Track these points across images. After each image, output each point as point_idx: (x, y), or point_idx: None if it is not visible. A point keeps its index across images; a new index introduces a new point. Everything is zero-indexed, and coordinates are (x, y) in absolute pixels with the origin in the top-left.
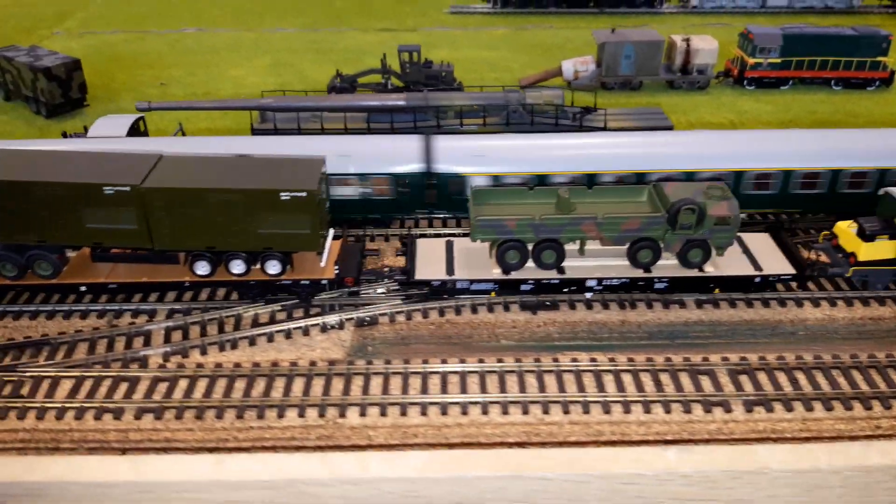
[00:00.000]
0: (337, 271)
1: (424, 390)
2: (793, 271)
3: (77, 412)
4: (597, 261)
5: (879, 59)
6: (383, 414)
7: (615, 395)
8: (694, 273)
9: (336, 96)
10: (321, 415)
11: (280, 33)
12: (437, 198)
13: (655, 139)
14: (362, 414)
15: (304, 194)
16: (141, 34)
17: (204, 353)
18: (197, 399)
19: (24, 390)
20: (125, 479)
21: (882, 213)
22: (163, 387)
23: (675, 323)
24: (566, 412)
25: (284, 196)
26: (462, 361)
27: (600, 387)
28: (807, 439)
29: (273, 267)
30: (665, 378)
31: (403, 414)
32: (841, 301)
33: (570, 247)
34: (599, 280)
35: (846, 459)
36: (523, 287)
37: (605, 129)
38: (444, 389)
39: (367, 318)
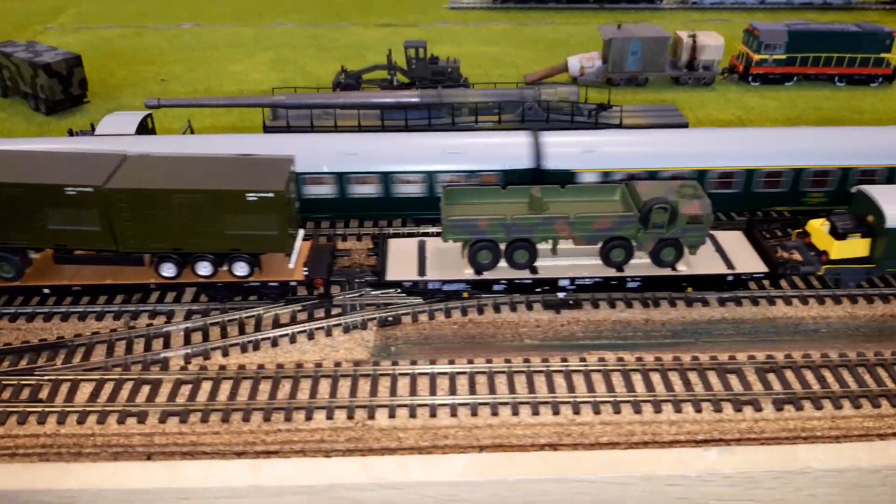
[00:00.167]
0: (306, 272)
1: (453, 391)
2: (765, 270)
3: (99, 416)
4: (569, 260)
5: (882, 55)
6: (413, 415)
7: (645, 395)
8: (667, 272)
9: (349, 93)
10: (350, 417)
11: (279, 29)
12: None
13: (745, 135)
14: (391, 415)
15: (271, 195)
16: (137, 29)
17: (226, 354)
18: (222, 401)
19: (43, 394)
20: (160, 486)
21: (855, 211)
22: (186, 389)
23: (698, 321)
24: (597, 412)
25: (251, 197)
26: (489, 361)
27: (629, 386)
28: (837, 438)
29: (241, 269)
30: (693, 377)
31: (433, 415)
32: (862, 298)
33: (544, 246)
34: (572, 279)
35: (886, 458)
36: (496, 287)
37: (620, 126)
38: (472, 390)
39: (390, 318)
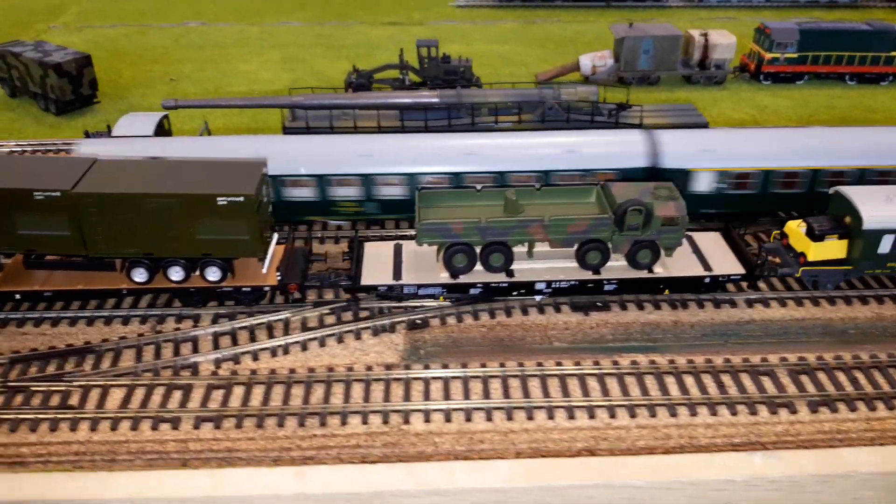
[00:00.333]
0: (279, 277)
1: (487, 395)
2: (742, 271)
3: (133, 422)
4: (545, 263)
5: (893, 54)
6: (448, 420)
7: (680, 398)
8: (643, 274)
9: (368, 94)
10: (385, 421)
11: (285, 27)
12: None
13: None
14: (427, 420)
15: (241, 199)
16: (141, 28)
17: (256, 358)
18: (255, 407)
19: (74, 400)
20: (205, 494)
21: (833, 213)
22: (218, 394)
23: (727, 322)
24: (633, 416)
25: (221, 201)
26: (520, 365)
27: (664, 389)
28: (872, 440)
29: (213, 274)
30: (727, 379)
31: (468, 419)
32: (889, 299)
33: (521, 249)
34: (548, 283)
35: None
36: (472, 291)
37: (641, 126)
38: (506, 394)
39: (419, 321)
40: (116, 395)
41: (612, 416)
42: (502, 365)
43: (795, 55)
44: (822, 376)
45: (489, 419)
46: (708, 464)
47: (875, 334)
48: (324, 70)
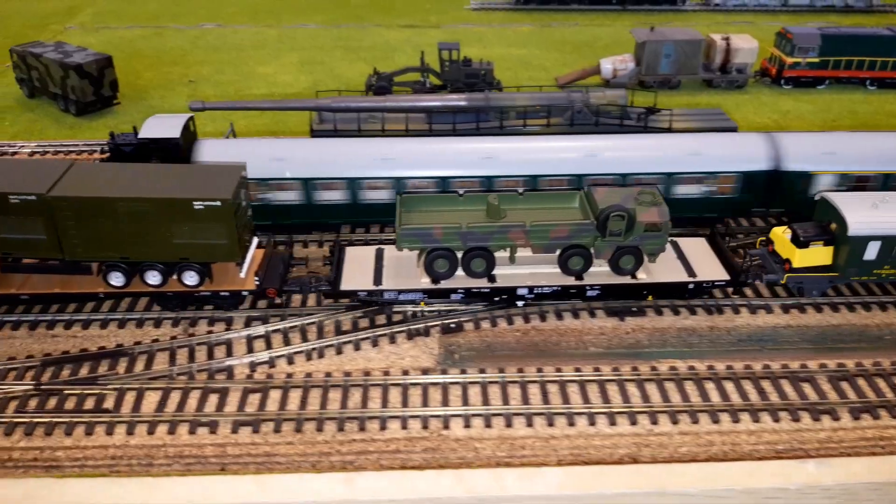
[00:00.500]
0: (258, 282)
1: (526, 400)
2: (727, 278)
3: (170, 426)
4: (528, 269)
5: None
6: (488, 425)
7: (722, 405)
8: (626, 280)
9: (397, 96)
10: (424, 426)
11: (302, 30)
12: (780, 196)
13: None
14: (467, 425)
15: (217, 203)
16: (158, 30)
17: (291, 362)
18: (293, 411)
19: (108, 404)
20: (254, 501)
21: (818, 219)
22: (254, 398)
23: (763, 328)
24: (675, 422)
25: (198, 205)
26: (558, 370)
27: (704, 395)
28: None
29: (190, 278)
30: (767, 385)
31: (509, 425)
32: None
33: (503, 254)
34: (531, 288)
35: None
36: (453, 296)
37: (670, 130)
38: (545, 399)
39: (453, 325)
40: (152, 399)
41: (654, 422)
42: (540, 370)
43: (817, 60)
44: (861, 382)
45: (530, 425)
46: (760, 471)
47: None
48: (343, 73)
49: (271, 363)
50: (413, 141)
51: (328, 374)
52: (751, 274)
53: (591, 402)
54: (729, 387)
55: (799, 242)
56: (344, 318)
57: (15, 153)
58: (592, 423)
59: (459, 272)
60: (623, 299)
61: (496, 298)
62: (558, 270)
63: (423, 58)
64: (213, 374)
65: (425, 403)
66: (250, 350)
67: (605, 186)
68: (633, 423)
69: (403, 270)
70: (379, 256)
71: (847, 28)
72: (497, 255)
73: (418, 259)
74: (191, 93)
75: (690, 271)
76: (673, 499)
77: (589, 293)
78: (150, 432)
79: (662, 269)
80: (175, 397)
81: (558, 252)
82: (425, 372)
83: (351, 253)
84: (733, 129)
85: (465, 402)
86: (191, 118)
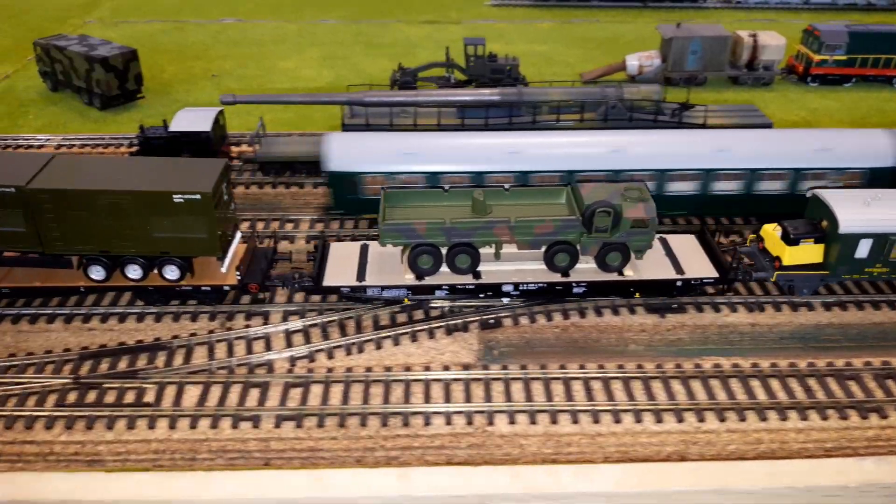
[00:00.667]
0: (239, 276)
1: (570, 397)
2: (715, 275)
3: (212, 420)
4: (513, 265)
5: None
6: (533, 422)
7: (769, 402)
8: (613, 277)
9: (428, 91)
10: (469, 422)
11: (323, 25)
12: None
13: None
14: (511, 422)
15: (197, 197)
16: (178, 24)
17: (331, 356)
18: (336, 405)
19: (148, 398)
20: (307, 496)
21: (810, 216)
22: (296, 393)
23: (805, 326)
24: (722, 420)
25: (177, 198)
26: (601, 367)
27: (750, 393)
28: None
29: (171, 272)
30: (813, 383)
31: (554, 422)
32: None
33: (489, 251)
34: (516, 285)
35: None
36: (438, 293)
37: (704, 126)
38: (589, 396)
39: (492, 320)
40: (192, 393)
41: (701, 419)
42: (582, 367)
43: (844, 57)
44: None
45: (575, 422)
46: (820, 470)
47: None
48: (365, 68)
49: (311, 357)
50: (539, 135)
51: (369, 369)
52: (740, 272)
53: (636, 399)
54: (775, 384)
55: (789, 240)
56: (382, 313)
57: (41, 146)
58: (639, 421)
59: (444, 268)
60: (610, 296)
61: (481, 295)
62: (544, 267)
63: (448, 53)
64: (252, 369)
65: (468, 399)
66: (289, 344)
67: (593, 182)
68: (680, 420)
69: (388, 266)
70: (364, 252)
71: (874, 26)
72: (483, 251)
73: (402, 255)
74: (214, 87)
75: (679, 268)
76: (732, 497)
77: (575, 290)
78: (193, 426)
79: (650, 266)
80: (216, 391)
81: (544, 248)
82: (466, 367)
83: (336, 249)
84: (768, 126)
85: (509, 398)
86: (220, 111)
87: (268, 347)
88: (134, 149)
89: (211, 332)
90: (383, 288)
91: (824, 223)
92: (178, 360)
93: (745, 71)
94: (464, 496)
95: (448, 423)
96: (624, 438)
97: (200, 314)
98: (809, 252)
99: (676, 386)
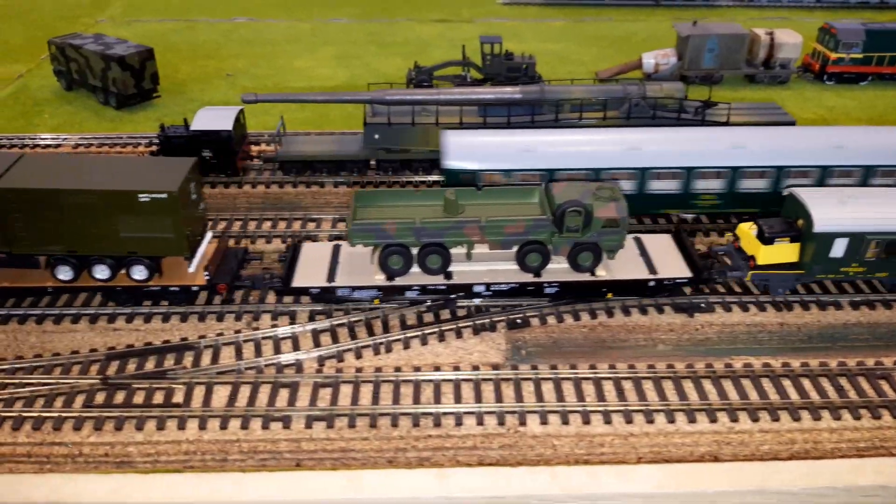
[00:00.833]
0: (207, 277)
1: (601, 397)
2: (689, 275)
3: (242, 420)
4: (485, 265)
5: None
6: (565, 422)
7: (802, 402)
8: (585, 277)
9: (450, 90)
10: (500, 423)
11: (335, 24)
12: None
13: None
14: (543, 422)
15: (164, 196)
16: (189, 23)
17: (359, 356)
18: (366, 406)
19: (177, 398)
20: (344, 497)
21: (786, 215)
22: (325, 393)
23: (833, 325)
24: (755, 420)
25: (143, 198)
26: (631, 367)
27: (782, 393)
28: None
29: (139, 272)
30: (844, 382)
31: (586, 422)
32: None
33: (460, 251)
34: (488, 285)
35: None
36: (408, 294)
37: (727, 123)
38: (620, 396)
39: (519, 320)
40: (221, 393)
41: (734, 419)
42: (612, 367)
43: (861, 56)
44: None
45: (608, 422)
46: (860, 469)
47: None
48: (379, 67)
49: (339, 357)
50: (658, 131)
51: (397, 369)
52: (714, 271)
53: (667, 399)
54: (806, 384)
55: (764, 239)
56: (408, 313)
57: (59, 146)
58: (672, 421)
59: (415, 269)
60: (582, 296)
61: (452, 295)
62: (517, 267)
63: (464, 51)
64: (281, 369)
65: (499, 399)
66: (317, 344)
67: (565, 182)
68: (713, 420)
69: (358, 267)
70: (335, 253)
71: (891, 24)
72: (455, 251)
73: (372, 255)
74: (229, 86)
75: (652, 268)
76: (773, 497)
77: (547, 290)
78: (223, 427)
79: (623, 266)
80: (245, 392)
81: (516, 248)
82: (495, 367)
83: (308, 249)
84: (791, 124)
85: (540, 398)
86: (241, 110)
87: (295, 347)
88: (154, 148)
89: (237, 331)
90: (353, 288)
91: (800, 222)
92: (206, 360)
93: (762, 69)
94: (503, 497)
95: (479, 423)
96: (657, 439)
97: (226, 314)
98: (785, 251)
99: (708, 386)
